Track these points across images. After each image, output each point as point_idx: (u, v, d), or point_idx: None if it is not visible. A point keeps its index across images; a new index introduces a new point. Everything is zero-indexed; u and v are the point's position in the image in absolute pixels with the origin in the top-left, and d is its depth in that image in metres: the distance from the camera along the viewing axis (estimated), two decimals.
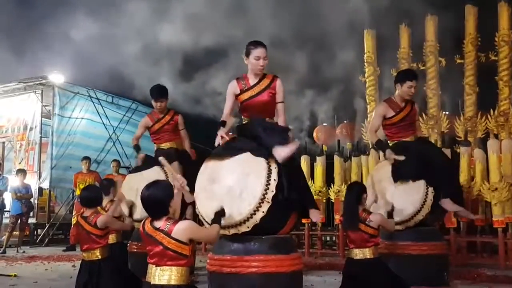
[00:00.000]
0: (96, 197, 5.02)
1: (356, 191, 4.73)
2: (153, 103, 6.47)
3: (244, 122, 4.46)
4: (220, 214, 3.79)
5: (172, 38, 10.77)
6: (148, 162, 6.42)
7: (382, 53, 10.53)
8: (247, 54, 4.36)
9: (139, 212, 5.83)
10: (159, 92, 6.47)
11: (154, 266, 3.27)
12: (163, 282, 3.21)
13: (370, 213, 4.60)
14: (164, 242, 3.21)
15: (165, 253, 3.21)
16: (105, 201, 5.76)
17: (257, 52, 4.31)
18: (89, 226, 4.73)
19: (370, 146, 9.39)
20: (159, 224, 3.27)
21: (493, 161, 7.83)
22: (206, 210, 4.02)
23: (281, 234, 4.20)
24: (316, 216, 4.43)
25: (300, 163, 4.30)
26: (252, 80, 4.41)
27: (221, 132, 4.23)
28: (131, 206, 5.78)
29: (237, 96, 4.37)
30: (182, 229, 3.23)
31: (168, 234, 3.21)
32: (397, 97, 5.82)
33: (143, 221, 3.42)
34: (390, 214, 4.92)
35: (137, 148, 6.56)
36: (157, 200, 3.33)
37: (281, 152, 3.91)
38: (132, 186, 6.13)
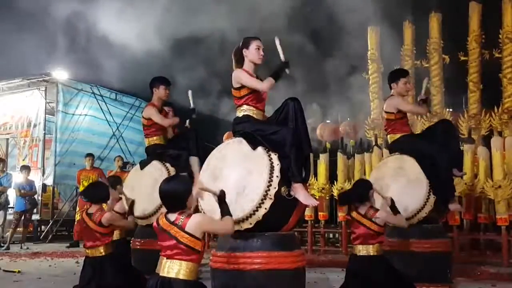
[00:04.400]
0: (102, 194, 5.04)
1: (363, 187, 4.75)
2: (163, 91, 6.24)
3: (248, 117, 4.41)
4: (221, 198, 3.67)
5: (178, 32, 10.76)
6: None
7: (385, 50, 10.50)
8: (247, 46, 4.42)
9: (140, 209, 5.84)
10: (167, 79, 6.38)
11: (165, 258, 3.29)
12: (171, 275, 3.22)
13: (377, 210, 4.60)
14: (177, 236, 3.22)
15: (178, 247, 3.23)
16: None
17: (257, 42, 4.42)
18: (93, 224, 4.74)
19: (374, 144, 9.39)
20: (173, 217, 3.28)
21: (497, 158, 7.83)
22: (209, 207, 4.02)
23: (284, 231, 4.20)
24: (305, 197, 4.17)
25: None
26: (252, 74, 4.44)
27: None
28: (132, 204, 5.77)
29: (242, 86, 4.35)
30: (195, 222, 3.25)
31: (182, 228, 3.23)
32: (396, 96, 5.94)
33: (158, 217, 3.44)
34: (393, 208, 4.89)
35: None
36: (175, 193, 3.36)
37: None
38: (135, 183, 6.14)
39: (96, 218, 4.74)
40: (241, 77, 4.34)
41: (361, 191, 4.71)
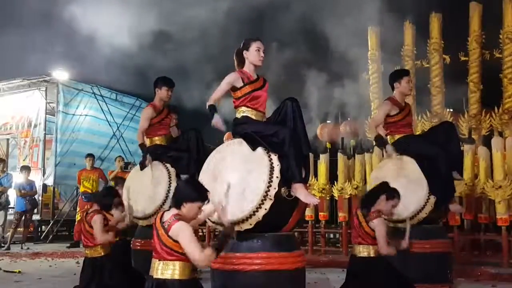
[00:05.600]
0: (109, 203, 5.10)
1: (377, 189, 4.67)
2: (165, 92, 6.21)
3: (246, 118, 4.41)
4: (227, 234, 3.43)
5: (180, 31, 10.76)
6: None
7: (386, 50, 10.50)
8: (247, 48, 4.45)
9: (140, 210, 5.84)
10: (171, 80, 6.35)
11: (157, 260, 3.27)
12: (166, 277, 3.20)
13: (379, 217, 4.50)
14: (163, 238, 3.20)
15: (162, 248, 3.20)
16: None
17: (257, 43, 4.44)
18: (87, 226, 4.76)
19: (374, 144, 9.38)
20: (166, 217, 3.25)
21: (497, 159, 7.82)
22: (209, 207, 4.02)
23: (284, 232, 4.21)
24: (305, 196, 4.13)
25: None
26: (252, 75, 4.46)
27: (218, 120, 4.26)
28: (131, 204, 5.77)
29: (238, 88, 4.36)
30: (177, 229, 3.17)
31: (167, 231, 3.20)
32: (398, 96, 5.93)
33: (156, 215, 3.43)
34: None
35: (144, 147, 6.22)
36: (179, 190, 3.38)
37: None
38: (135, 184, 6.14)
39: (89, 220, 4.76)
40: (225, 81, 4.38)
41: (373, 192, 4.66)
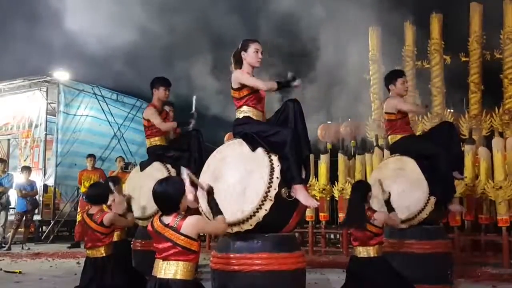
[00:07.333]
0: (102, 194, 5.04)
1: (361, 189, 4.74)
2: (162, 92, 6.27)
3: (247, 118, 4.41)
4: (209, 193, 3.69)
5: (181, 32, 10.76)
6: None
7: (386, 51, 10.49)
8: (245, 49, 4.43)
9: (141, 210, 5.84)
10: (168, 80, 6.38)
11: (161, 260, 3.30)
12: (169, 276, 3.23)
13: (374, 211, 4.60)
14: (173, 238, 3.24)
15: (174, 249, 3.24)
16: (110, 199, 5.76)
17: (256, 45, 4.44)
18: (94, 224, 4.74)
19: (375, 144, 9.38)
20: (168, 220, 3.30)
21: (498, 159, 7.82)
22: (208, 208, 4.02)
23: (284, 232, 4.21)
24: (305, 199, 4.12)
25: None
26: (250, 75, 4.45)
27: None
28: (129, 200, 5.77)
29: (242, 87, 4.36)
30: (190, 224, 3.26)
31: (177, 230, 3.24)
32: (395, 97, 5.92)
33: (152, 218, 3.46)
34: (388, 204, 4.89)
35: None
36: (168, 196, 3.36)
37: None
38: (135, 184, 6.15)
39: (97, 219, 4.75)
40: (240, 77, 4.35)
41: (360, 193, 4.70)
